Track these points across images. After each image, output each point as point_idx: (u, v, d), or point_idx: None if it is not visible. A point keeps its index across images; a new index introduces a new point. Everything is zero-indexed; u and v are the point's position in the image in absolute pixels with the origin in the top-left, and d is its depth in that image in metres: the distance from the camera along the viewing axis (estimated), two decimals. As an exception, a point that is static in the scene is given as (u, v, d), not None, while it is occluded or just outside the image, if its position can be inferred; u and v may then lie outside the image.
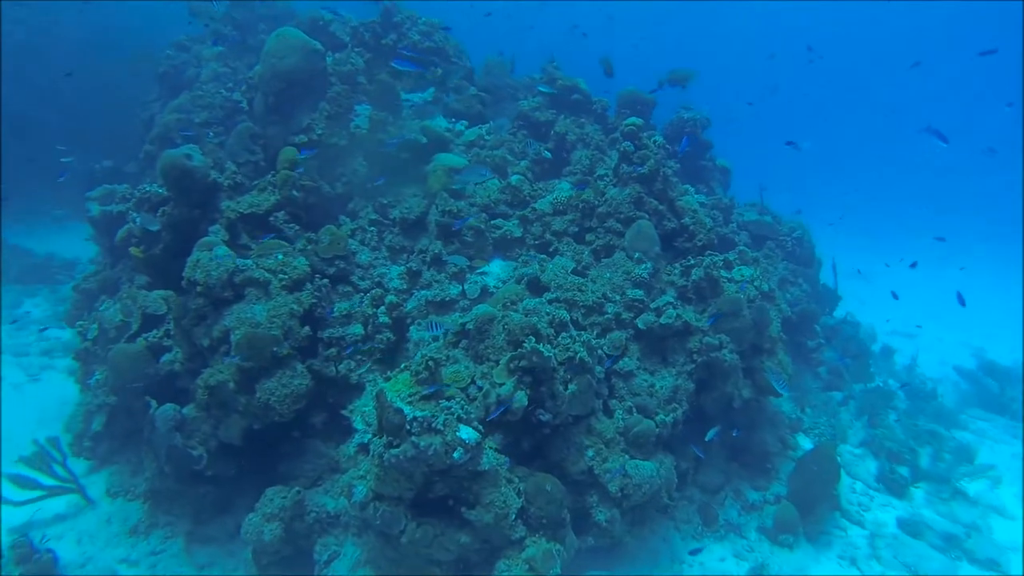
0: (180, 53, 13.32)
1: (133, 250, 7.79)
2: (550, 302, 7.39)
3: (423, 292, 7.89)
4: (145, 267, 7.90)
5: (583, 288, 7.68)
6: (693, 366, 7.61)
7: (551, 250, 8.59)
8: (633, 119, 8.99)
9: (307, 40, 8.52)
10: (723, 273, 8.24)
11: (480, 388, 6.20)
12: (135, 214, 7.85)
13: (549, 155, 10.23)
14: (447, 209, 8.31)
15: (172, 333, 7.06)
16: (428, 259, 8.18)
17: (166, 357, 7.08)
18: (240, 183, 7.73)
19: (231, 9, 12.41)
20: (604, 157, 10.23)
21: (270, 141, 8.77)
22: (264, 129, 8.87)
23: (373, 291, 7.44)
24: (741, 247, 9.22)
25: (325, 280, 7.41)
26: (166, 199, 7.56)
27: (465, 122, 10.53)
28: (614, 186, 8.80)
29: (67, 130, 15.90)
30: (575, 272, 8.05)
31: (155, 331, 7.31)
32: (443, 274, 8.11)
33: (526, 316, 6.55)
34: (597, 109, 11.36)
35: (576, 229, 8.73)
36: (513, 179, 9.20)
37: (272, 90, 8.52)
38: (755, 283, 8.13)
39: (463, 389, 6.25)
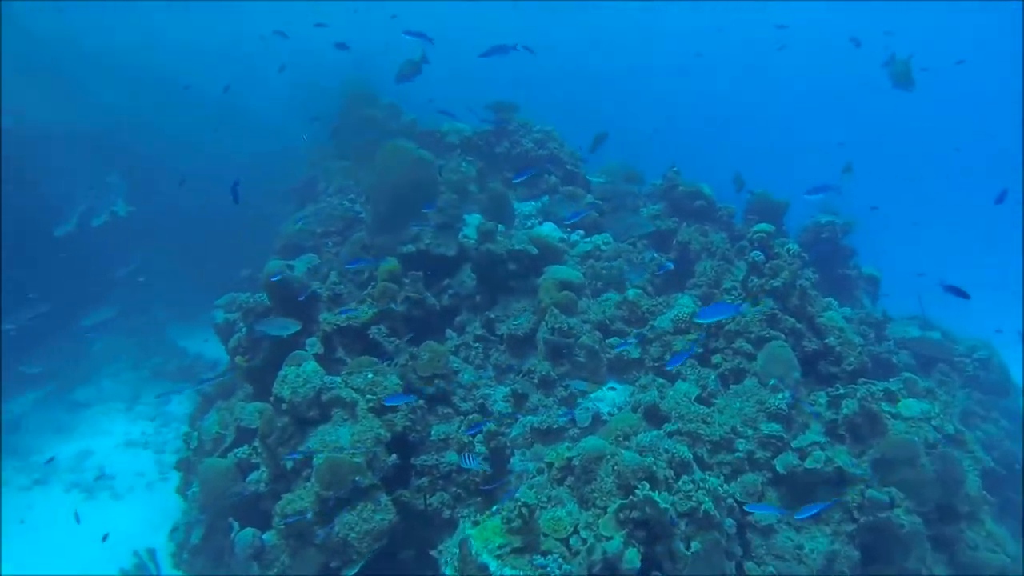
0: (312, 169, 14.15)
1: (238, 359, 7.74)
2: (669, 435, 6.35)
3: (529, 418, 7.09)
4: (248, 377, 7.82)
5: (708, 419, 6.56)
6: (854, 526, 6.09)
7: (672, 373, 7.58)
8: (763, 225, 8.13)
9: (415, 150, 8.53)
10: (885, 407, 6.80)
11: (584, 540, 5.24)
12: (241, 324, 7.85)
13: (671, 266, 9.41)
14: (557, 326, 7.63)
15: (260, 451, 6.71)
16: (536, 381, 7.46)
17: (252, 476, 6.71)
18: (340, 294, 7.54)
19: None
20: (731, 268, 9.26)
21: (380, 251, 8.67)
22: (374, 239, 8.82)
23: (470, 416, 6.76)
24: (906, 373, 7.68)
25: (421, 401, 6.85)
26: (269, 309, 7.49)
27: (581, 232, 10.04)
28: (743, 300, 7.81)
29: (221, 243, 17.28)
30: (699, 400, 6.95)
31: (245, 447, 7.00)
32: (551, 398, 7.34)
33: (640, 455, 5.57)
34: (723, 216, 10.51)
35: (700, 350, 7.69)
36: (631, 293, 8.43)
37: (382, 200, 8.51)
38: (934, 422, 6.57)
39: (564, 540, 5.32)
